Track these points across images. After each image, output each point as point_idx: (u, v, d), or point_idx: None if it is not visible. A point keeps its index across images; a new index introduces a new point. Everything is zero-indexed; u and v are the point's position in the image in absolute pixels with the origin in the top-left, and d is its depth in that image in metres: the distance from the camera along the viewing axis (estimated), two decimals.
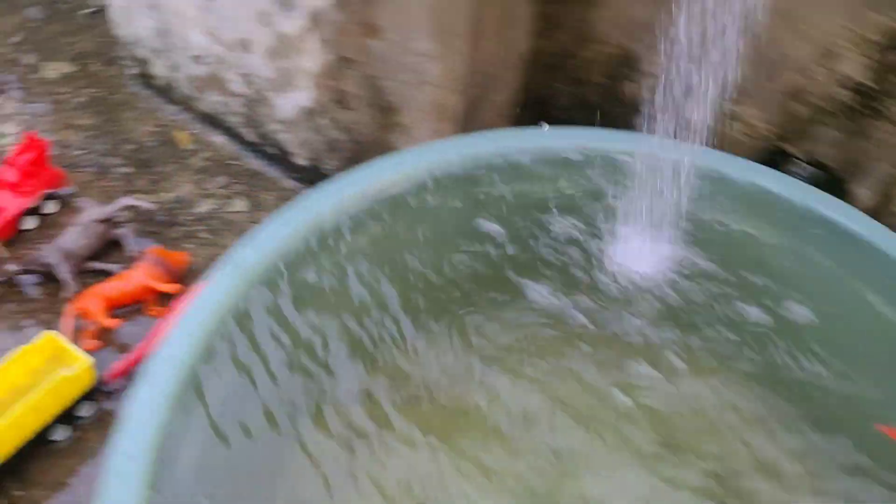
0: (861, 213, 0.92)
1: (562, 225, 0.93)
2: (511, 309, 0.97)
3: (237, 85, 1.38)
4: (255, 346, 0.83)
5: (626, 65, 1.13)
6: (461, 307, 0.98)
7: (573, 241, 0.93)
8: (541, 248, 0.94)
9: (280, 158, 1.43)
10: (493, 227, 0.95)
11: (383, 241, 0.93)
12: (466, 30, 1.05)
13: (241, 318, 0.80)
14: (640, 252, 0.92)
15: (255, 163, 1.47)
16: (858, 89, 0.93)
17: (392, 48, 1.12)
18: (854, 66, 0.92)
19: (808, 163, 1.03)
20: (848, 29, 0.89)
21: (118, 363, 1.09)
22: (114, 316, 1.17)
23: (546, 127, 0.99)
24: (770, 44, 0.96)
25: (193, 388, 0.75)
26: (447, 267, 0.96)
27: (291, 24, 1.22)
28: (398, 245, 0.94)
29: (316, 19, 1.18)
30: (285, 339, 0.85)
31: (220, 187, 1.43)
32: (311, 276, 0.87)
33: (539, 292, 0.93)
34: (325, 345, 0.89)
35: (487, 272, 0.96)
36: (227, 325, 0.79)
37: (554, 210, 0.94)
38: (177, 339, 0.76)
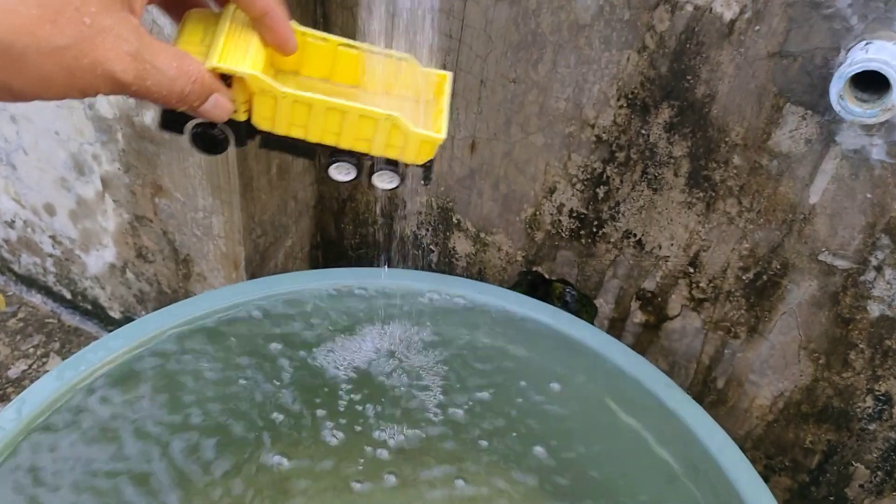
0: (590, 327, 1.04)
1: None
2: None
3: (48, 246, 1.43)
4: None
5: (398, 203, 1.24)
6: None
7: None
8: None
9: (95, 314, 1.46)
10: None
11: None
12: (239, 184, 1.14)
13: None
14: None
15: (71, 319, 1.49)
16: (577, 217, 1.06)
17: (179, 206, 1.20)
18: (570, 198, 1.05)
19: (557, 281, 1.14)
20: (561, 169, 1.03)
21: None
22: None
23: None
24: (510, 185, 1.08)
25: None
26: None
27: (88, 189, 1.28)
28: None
29: (107, 183, 1.25)
30: None
31: (35, 346, 1.45)
32: None
33: None
34: None
35: None
36: None
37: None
38: None
